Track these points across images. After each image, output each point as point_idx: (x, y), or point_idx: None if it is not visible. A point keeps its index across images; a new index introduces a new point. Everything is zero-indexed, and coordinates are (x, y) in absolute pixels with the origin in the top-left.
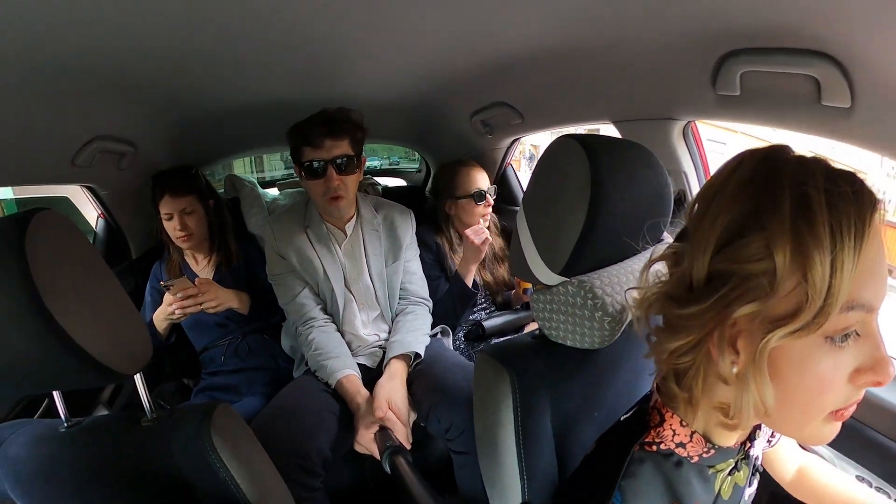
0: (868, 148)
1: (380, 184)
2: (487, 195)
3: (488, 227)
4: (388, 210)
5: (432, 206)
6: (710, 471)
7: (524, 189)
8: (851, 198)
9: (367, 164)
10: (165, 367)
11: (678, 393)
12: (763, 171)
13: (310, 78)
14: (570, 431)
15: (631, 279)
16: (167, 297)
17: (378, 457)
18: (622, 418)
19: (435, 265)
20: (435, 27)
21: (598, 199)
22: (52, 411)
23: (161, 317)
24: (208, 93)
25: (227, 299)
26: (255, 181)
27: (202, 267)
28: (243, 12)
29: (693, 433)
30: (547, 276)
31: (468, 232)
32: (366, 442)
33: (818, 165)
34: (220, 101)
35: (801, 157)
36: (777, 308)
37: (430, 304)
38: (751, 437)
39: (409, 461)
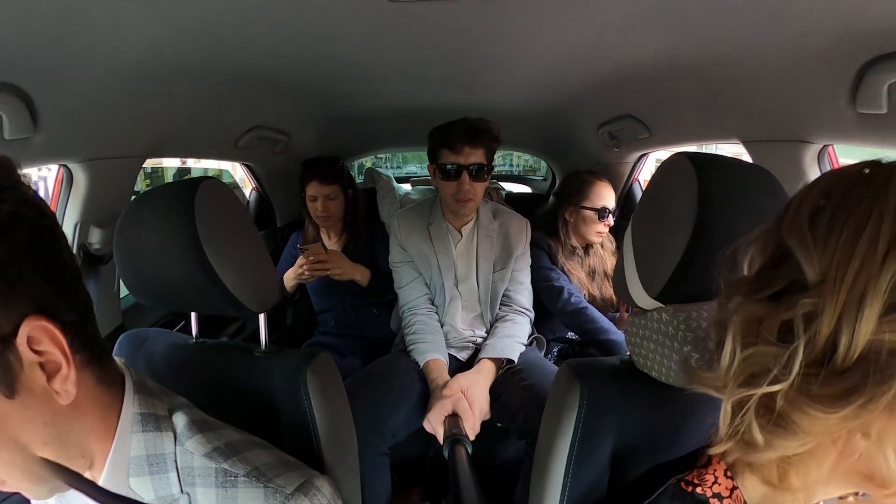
0: None
1: (504, 189)
2: (610, 214)
3: (602, 245)
4: (505, 218)
5: (549, 209)
6: None
7: None
8: None
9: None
10: (287, 318)
11: (737, 453)
12: None
13: (446, 86)
14: (628, 466)
15: None
16: (300, 259)
17: (441, 440)
18: (673, 459)
19: (549, 260)
20: (564, 39)
21: (704, 223)
22: (185, 329)
23: (291, 276)
24: (356, 95)
25: (352, 271)
26: (392, 176)
27: (332, 243)
28: (389, 27)
29: (734, 489)
30: (643, 299)
31: None
32: (434, 422)
33: None
34: (366, 103)
35: None
36: None
37: (532, 315)
38: None
39: (468, 453)
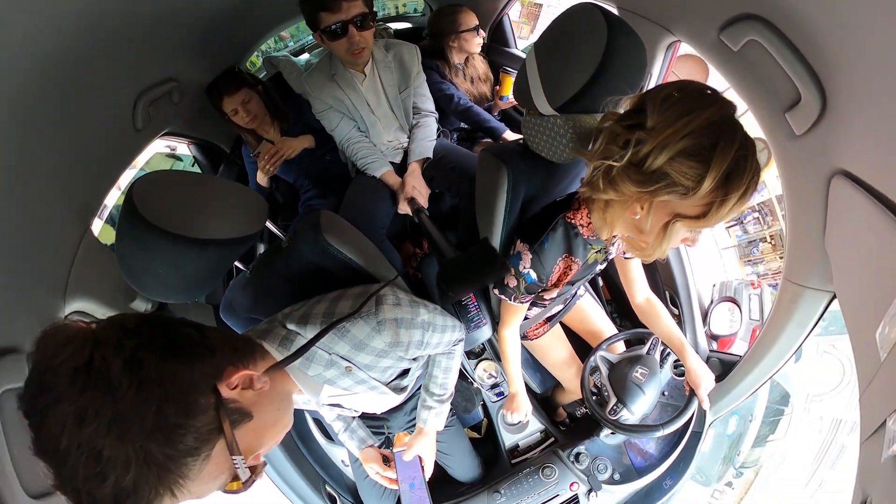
0: (781, 170)
1: (391, 28)
2: (481, 29)
3: (474, 57)
4: (397, 48)
5: (431, 45)
6: (589, 247)
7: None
8: (757, 181)
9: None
10: (278, 199)
11: (592, 204)
12: (727, 123)
13: None
14: (530, 208)
15: None
16: (259, 162)
17: (411, 213)
18: (557, 200)
19: (439, 76)
20: None
21: (602, 72)
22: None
23: (261, 175)
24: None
25: (298, 144)
26: (288, 54)
27: (272, 134)
28: None
29: (590, 223)
30: (544, 107)
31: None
32: (402, 206)
33: (755, 147)
34: (222, 4)
35: (746, 132)
36: (685, 206)
37: (436, 114)
38: (611, 245)
39: (427, 214)
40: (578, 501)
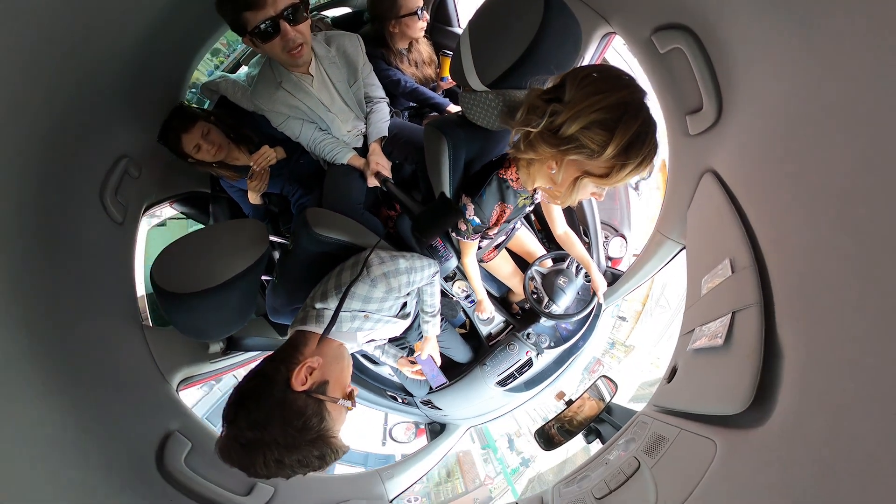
0: (671, 166)
1: (328, 17)
2: (425, 11)
3: (419, 41)
4: (338, 41)
5: (372, 30)
6: (518, 195)
7: (457, 14)
8: (654, 154)
9: None
10: (274, 210)
11: (518, 162)
12: (633, 105)
13: None
14: (472, 165)
15: None
16: (250, 184)
17: (379, 184)
18: (492, 160)
19: (384, 63)
20: None
21: (535, 48)
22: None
23: (253, 195)
24: (123, 47)
25: (274, 155)
26: (224, 73)
27: (243, 160)
28: None
29: (518, 178)
30: (476, 84)
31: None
32: (372, 181)
33: (655, 126)
34: (143, 40)
35: (650, 114)
36: (591, 166)
37: (387, 99)
38: (535, 192)
39: (392, 182)
40: (532, 361)
